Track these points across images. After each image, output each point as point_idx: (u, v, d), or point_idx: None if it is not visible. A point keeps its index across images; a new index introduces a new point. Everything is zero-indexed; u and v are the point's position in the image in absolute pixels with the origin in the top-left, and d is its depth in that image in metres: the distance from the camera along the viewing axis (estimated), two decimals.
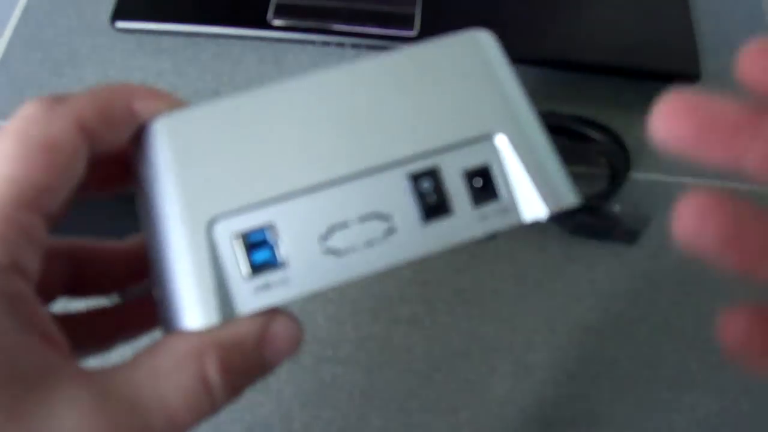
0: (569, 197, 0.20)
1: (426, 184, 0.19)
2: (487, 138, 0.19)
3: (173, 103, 0.19)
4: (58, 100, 0.17)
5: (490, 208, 0.19)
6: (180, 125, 0.19)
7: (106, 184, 0.22)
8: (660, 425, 0.37)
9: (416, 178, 0.19)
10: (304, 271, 0.18)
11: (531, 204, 0.19)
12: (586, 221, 0.41)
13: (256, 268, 0.18)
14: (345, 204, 0.18)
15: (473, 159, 0.19)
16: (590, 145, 0.44)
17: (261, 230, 0.18)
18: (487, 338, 0.39)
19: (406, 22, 0.45)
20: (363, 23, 0.45)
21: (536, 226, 0.42)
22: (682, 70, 0.45)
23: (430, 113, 0.19)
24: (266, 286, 0.18)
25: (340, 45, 0.46)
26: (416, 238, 0.18)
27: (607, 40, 0.46)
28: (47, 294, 0.21)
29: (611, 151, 0.43)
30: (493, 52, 0.21)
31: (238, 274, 0.18)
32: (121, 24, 0.46)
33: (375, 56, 0.20)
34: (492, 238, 0.19)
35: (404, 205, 0.19)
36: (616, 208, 0.42)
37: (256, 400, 0.37)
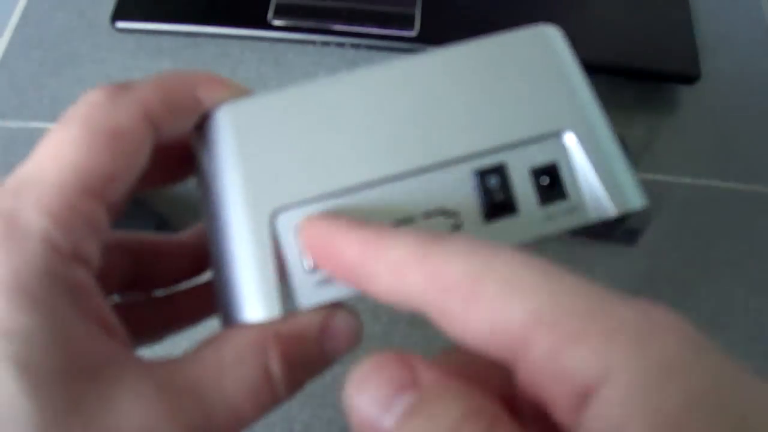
0: (637, 199, 0.19)
1: (492, 181, 0.18)
2: (555, 135, 0.19)
3: (238, 91, 0.19)
4: (123, 87, 0.17)
5: (556, 207, 0.19)
6: (244, 114, 0.18)
7: (166, 174, 0.21)
8: None
9: (483, 175, 0.18)
10: None
11: (598, 204, 0.19)
12: None
13: None
14: (410, 199, 0.18)
15: (541, 156, 0.19)
16: None
17: None
18: None
19: (406, 22, 0.45)
20: (363, 23, 0.45)
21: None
22: (681, 70, 0.45)
23: (498, 109, 0.19)
24: (329, 280, 0.18)
25: (340, 45, 0.46)
26: (481, 236, 0.18)
27: (607, 40, 0.46)
28: (106, 287, 0.21)
29: None
30: (560, 47, 0.20)
31: (301, 267, 0.17)
32: (121, 24, 0.46)
33: (443, 48, 0.19)
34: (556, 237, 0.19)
35: (470, 202, 0.18)
36: None
37: None
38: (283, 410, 0.37)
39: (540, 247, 0.43)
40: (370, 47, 0.46)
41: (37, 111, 0.45)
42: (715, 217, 0.43)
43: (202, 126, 0.19)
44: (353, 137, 0.18)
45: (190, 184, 0.45)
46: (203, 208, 0.19)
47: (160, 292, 0.23)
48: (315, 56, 0.48)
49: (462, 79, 0.19)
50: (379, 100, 0.18)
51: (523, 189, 0.18)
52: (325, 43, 0.46)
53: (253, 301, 0.17)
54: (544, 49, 0.20)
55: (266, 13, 0.46)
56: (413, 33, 0.45)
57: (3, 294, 0.14)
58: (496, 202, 0.18)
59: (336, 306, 0.18)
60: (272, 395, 0.17)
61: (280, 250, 0.17)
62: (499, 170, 0.18)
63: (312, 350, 0.18)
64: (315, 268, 0.17)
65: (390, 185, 0.18)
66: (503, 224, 0.18)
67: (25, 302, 0.14)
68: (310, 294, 0.17)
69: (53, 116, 0.45)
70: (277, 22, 0.45)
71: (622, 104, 0.47)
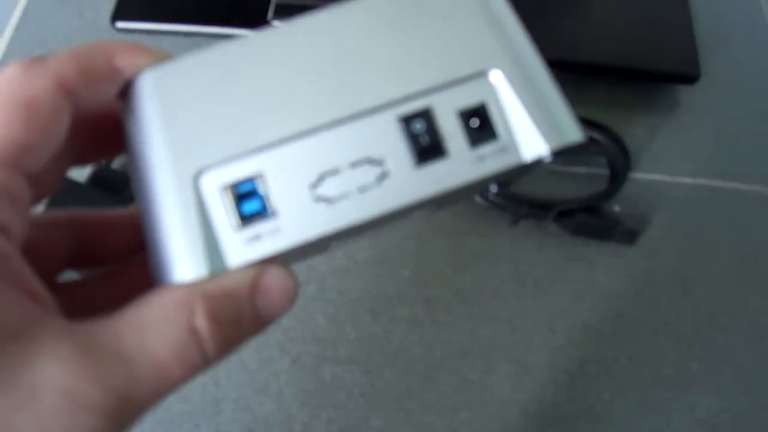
0: (572, 134, 0.19)
1: (418, 126, 0.18)
2: (481, 75, 0.18)
3: (157, 56, 0.19)
4: (38, 59, 0.17)
5: (488, 148, 0.18)
6: (165, 78, 0.18)
7: (101, 147, 0.21)
8: (659, 425, 0.37)
9: (407, 120, 0.18)
10: (296, 221, 0.17)
11: (532, 142, 0.18)
12: (586, 221, 0.41)
13: (246, 219, 0.17)
14: (335, 150, 0.18)
15: (468, 98, 0.18)
16: (590, 145, 0.44)
17: (249, 180, 0.18)
18: (487, 338, 0.39)
19: None
20: None
21: (536, 228, 0.42)
22: (681, 70, 0.45)
23: (420, 52, 0.18)
24: (257, 237, 0.17)
25: None
26: (411, 182, 0.18)
27: (607, 40, 0.46)
28: (53, 265, 0.21)
29: (611, 151, 0.43)
30: None
31: (228, 225, 0.17)
32: (122, 24, 0.46)
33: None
34: (491, 183, 0.18)
35: (396, 149, 0.18)
36: (616, 208, 0.42)
37: (257, 400, 0.37)
38: (284, 410, 0.37)
39: (538, 247, 0.43)
40: None
41: None
42: (715, 217, 0.43)
43: (125, 94, 0.19)
44: (275, 92, 0.18)
45: None
46: (131, 176, 0.19)
47: (114, 267, 0.23)
48: None
49: (383, 25, 0.19)
50: (298, 54, 0.18)
51: (452, 132, 0.18)
52: None
53: (181, 261, 0.17)
54: None
55: (266, 13, 0.46)
56: None
57: None
58: (423, 147, 0.18)
59: (269, 263, 0.18)
60: (201, 355, 0.17)
61: (206, 209, 0.17)
62: (424, 114, 0.18)
63: (243, 308, 0.17)
64: (243, 226, 0.17)
65: (313, 137, 0.18)
66: (433, 168, 0.18)
67: None
68: (239, 252, 0.17)
69: None
70: (277, 22, 0.45)
71: (622, 104, 0.47)
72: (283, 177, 0.18)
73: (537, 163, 0.19)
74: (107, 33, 0.48)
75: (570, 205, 0.41)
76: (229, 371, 0.37)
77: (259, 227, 0.17)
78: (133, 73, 0.18)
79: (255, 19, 0.46)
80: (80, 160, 0.20)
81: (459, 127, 0.18)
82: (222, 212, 0.17)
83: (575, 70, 0.46)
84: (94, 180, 0.40)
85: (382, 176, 0.18)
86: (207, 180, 0.17)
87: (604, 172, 0.44)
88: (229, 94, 0.18)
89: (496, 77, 0.19)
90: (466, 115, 0.18)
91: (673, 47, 0.46)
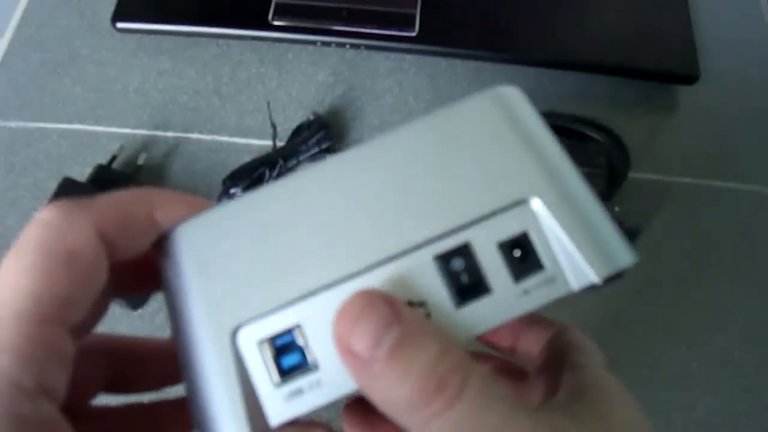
0: (622, 258, 0.18)
1: (457, 264, 0.17)
2: (521, 204, 0.17)
3: (196, 206, 0.18)
4: (77, 206, 0.17)
5: (533, 280, 0.17)
6: (198, 231, 0.18)
7: (134, 285, 0.21)
8: (659, 424, 0.37)
9: (445, 259, 0.17)
10: (337, 372, 0.17)
11: (580, 271, 0.17)
12: None
13: (286, 373, 0.17)
14: None
15: (508, 228, 0.17)
16: (590, 145, 0.44)
17: (288, 333, 0.17)
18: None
19: (406, 22, 0.45)
20: (363, 23, 0.45)
21: None
22: (681, 70, 0.45)
23: (455, 185, 0.17)
24: (298, 392, 0.17)
25: (340, 45, 0.46)
26: (453, 324, 0.17)
27: (607, 40, 0.46)
28: (86, 391, 0.20)
29: (611, 151, 0.43)
30: (521, 108, 0.19)
31: (269, 381, 0.17)
32: (122, 24, 0.46)
33: (390, 131, 0.18)
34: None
35: (436, 290, 0.17)
36: (616, 208, 0.42)
37: None
38: None
39: None
40: (370, 47, 0.46)
41: (37, 111, 0.45)
42: (715, 217, 0.43)
43: (161, 244, 0.18)
44: (306, 240, 0.17)
45: (189, 183, 0.44)
46: (171, 324, 0.19)
47: (146, 393, 0.23)
48: (315, 56, 0.48)
49: (416, 160, 0.18)
50: (329, 197, 0.18)
51: (493, 266, 0.17)
52: (325, 43, 0.46)
53: (222, 422, 0.17)
54: (503, 112, 0.18)
55: (266, 13, 0.46)
56: (413, 33, 0.45)
57: None
58: (464, 286, 0.17)
59: (311, 426, 0.18)
60: None
61: (245, 366, 0.17)
62: (463, 250, 0.17)
63: None
64: (283, 381, 0.17)
65: (349, 284, 0.17)
66: (476, 307, 0.17)
67: None
68: (281, 409, 0.17)
69: (54, 116, 0.45)
70: (277, 22, 0.45)
71: (622, 104, 0.47)
72: (321, 327, 0.17)
73: (588, 290, 0.18)
74: (108, 33, 0.48)
75: None
76: None
77: (300, 381, 0.17)
78: (170, 224, 0.18)
79: (255, 20, 0.46)
80: (118, 295, 0.20)
81: (501, 260, 0.17)
82: (262, 368, 0.17)
83: (575, 70, 0.46)
84: (95, 180, 0.40)
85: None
86: (245, 335, 0.17)
87: (604, 172, 0.44)
88: (262, 244, 0.17)
89: (537, 204, 0.17)
90: (508, 247, 0.17)
91: (673, 47, 0.46)
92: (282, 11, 0.46)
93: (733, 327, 0.40)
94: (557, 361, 0.20)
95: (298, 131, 0.44)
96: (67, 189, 0.39)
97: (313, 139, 0.43)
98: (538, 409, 0.17)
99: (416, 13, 0.46)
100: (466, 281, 0.17)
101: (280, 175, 0.43)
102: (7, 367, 0.15)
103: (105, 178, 0.41)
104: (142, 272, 0.20)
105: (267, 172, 0.42)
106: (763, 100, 0.48)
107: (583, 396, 0.17)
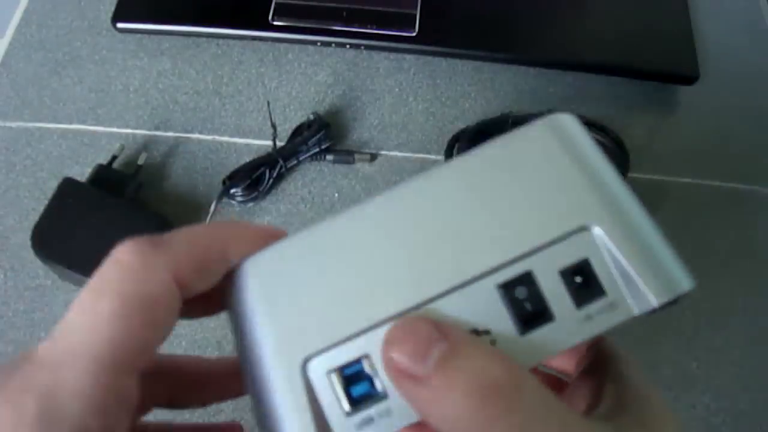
0: (682, 283, 0.18)
1: (520, 292, 0.17)
2: (581, 231, 0.18)
3: (269, 239, 0.19)
4: (155, 245, 0.17)
5: (595, 306, 0.17)
6: (266, 264, 0.18)
7: (198, 312, 0.21)
8: None
9: (508, 287, 0.17)
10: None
11: (641, 296, 0.17)
12: None
13: (356, 402, 0.17)
14: None
15: (569, 256, 0.18)
16: None
17: (357, 362, 0.17)
18: None
19: (406, 22, 0.45)
20: (363, 23, 0.45)
21: None
22: (680, 71, 0.45)
23: (516, 214, 0.18)
24: (369, 420, 0.17)
25: (340, 45, 0.46)
26: (518, 350, 0.17)
27: (607, 40, 0.46)
28: (141, 410, 0.21)
29: (610, 151, 0.43)
30: (576, 135, 0.19)
31: (339, 410, 0.17)
32: (122, 25, 0.46)
33: (449, 162, 0.19)
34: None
35: (500, 318, 0.17)
36: None
37: None
38: None
39: None
40: (370, 47, 0.46)
41: (38, 111, 0.45)
42: (715, 217, 0.43)
43: (229, 278, 0.19)
44: (372, 271, 0.18)
45: (190, 183, 0.44)
46: (239, 353, 0.19)
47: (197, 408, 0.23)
48: (315, 56, 0.48)
49: (477, 190, 0.18)
50: (391, 228, 0.18)
51: (556, 293, 0.17)
52: (325, 43, 0.46)
53: None
54: (559, 140, 0.19)
55: (266, 13, 0.46)
56: (413, 33, 0.45)
57: None
58: (527, 313, 0.17)
59: None
60: None
61: (316, 396, 0.17)
62: (525, 279, 0.17)
63: None
64: (354, 410, 0.17)
65: (415, 314, 0.17)
66: (540, 334, 0.17)
67: None
68: None
69: (54, 116, 0.45)
70: (277, 22, 0.45)
71: (622, 104, 0.47)
72: None
73: (648, 314, 0.18)
74: (108, 33, 0.48)
75: None
76: None
77: (370, 410, 0.17)
78: (240, 259, 0.18)
79: (255, 20, 0.46)
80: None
81: (563, 287, 0.17)
82: (332, 397, 0.17)
83: (575, 70, 0.46)
84: (95, 180, 0.40)
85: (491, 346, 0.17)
86: (314, 366, 0.17)
87: None
88: (329, 276, 0.18)
89: (597, 231, 0.18)
90: (569, 274, 0.18)
91: (673, 47, 0.46)
92: (282, 11, 0.46)
93: (733, 327, 0.40)
94: (598, 372, 0.20)
95: (298, 131, 0.44)
96: (68, 189, 0.39)
97: (313, 139, 0.43)
98: (590, 419, 0.17)
99: (416, 13, 0.46)
100: (529, 309, 0.17)
101: (280, 175, 0.43)
102: (81, 415, 0.15)
103: (105, 178, 0.41)
104: (207, 300, 0.20)
105: (267, 172, 0.42)
106: (762, 99, 0.48)
107: (627, 407, 0.18)
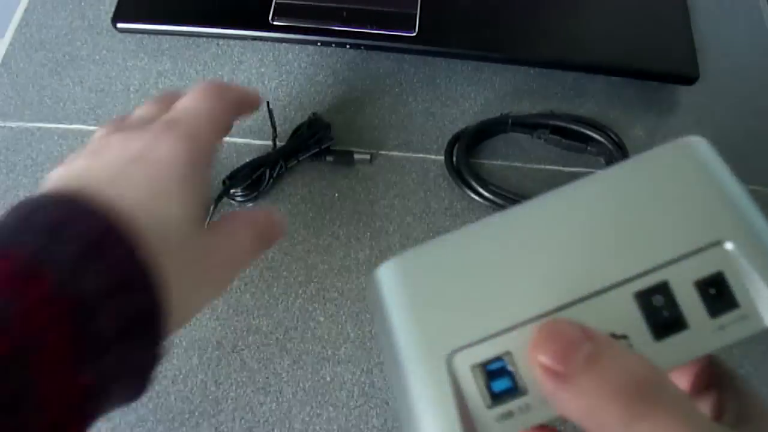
0: None
1: (656, 300, 0.19)
2: (715, 245, 0.19)
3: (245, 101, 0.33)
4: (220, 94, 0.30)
5: (728, 317, 0.18)
6: (410, 267, 0.20)
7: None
8: None
9: (645, 295, 0.19)
10: (545, 397, 0.18)
11: None
12: None
13: (497, 397, 0.18)
14: None
15: (704, 268, 0.19)
16: (590, 145, 0.44)
17: (499, 359, 0.18)
18: None
19: (406, 22, 0.45)
20: (363, 23, 0.45)
21: None
22: (680, 71, 0.45)
23: (653, 228, 0.19)
24: (509, 414, 0.18)
25: (341, 45, 0.46)
26: (652, 356, 0.18)
27: (606, 41, 0.46)
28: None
29: (610, 151, 0.43)
30: (709, 156, 0.20)
31: (481, 403, 0.18)
32: (122, 25, 0.47)
33: (588, 178, 0.20)
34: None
35: (637, 323, 0.18)
36: None
37: (257, 399, 0.37)
38: (284, 409, 0.37)
39: None
40: (370, 47, 0.46)
41: (38, 111, 0.46)
42: None
43: (374, 279, 0.20)
44: (514, 274, 0.19)
45: None
46: (382, 350, 0.21)
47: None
48: (315, 56, 0.48)
49: (616, 204, 0.19)
50: (534, 236, 0.19)
51: (690, 303, 0.18)
52: (325, 43, 0.46)
53: None
54: (692, 161, 0.20)
55: (266, 13, 0.46)
56: (413, 33, 0.45)
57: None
58: (663, 321, 0.18)
59: None
60: None
61: (460, 389, 0.18)
62: (662, 288, 0.19)
63: None
64: (494, 403, 0.18)
65: (557, 316, 0.19)
66: (674, 341, 0.18)
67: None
68: (492, 429, 0.18)
69: (54, 117, 0.45)
70: (277, 22, 0.45)
71: (622, 104, 0.47)
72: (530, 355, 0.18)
73: None
74: (108, 34, 0.48)
75: None
76: (230, 370, 0.38)
77: (510, 404, 0.18)
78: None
79: (255, 20, 0.46)
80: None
81: (697, 298, 0.19)
82: (474, 390, 0.18)
83: (575, 70, 0.46)
84: None
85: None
86: (459, 360, 0.18)
87: None
88: (473, 278, 0.19)
89: (730, 246, 0.19)
90: (704, 285, 0.19)
91: (672, 48, 0.46)
92: (282, 11, 0.46)
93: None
94: (719, 387, 0.21)
95: (298, 131, 0.44)
96: None
97: (313, 139, 0.43)
98: (723, 425, 0.18)
99: (416, 13, 0.46)
100: (665, 317, 0.18)
101: (280, 175, 0.43)
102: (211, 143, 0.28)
103: None
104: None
105: (267, 172, 0.42)
106: (762, 100, 0.48)
107: (752, 422, 0.18)
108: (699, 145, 0.20)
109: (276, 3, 0.46)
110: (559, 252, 0.19)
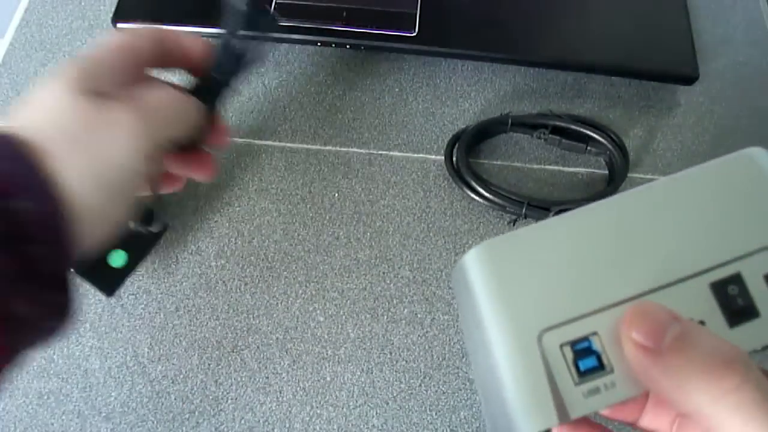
0: None
1: (731, 290, 0.20)
2: None
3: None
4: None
5: None
6: (500, 252, 0.21)
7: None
8: None
9: (720, 285, 0.20)
10: (629, 375, 0.20)
11: None
12: None
13: (584, 374, 0.20)
14: None
15: None
16: (590, 145, 0.44)
17: (586, 339, 0.20)
18: None
19: (406, 22, 0.45)
20: (363, 23, 0.45)
21: None
22: (680, 71, 0.45)
23: (726, 226, 0.21)
24: (595, 390, 0.20)
25: (341, 45, 0.46)
26: (728, 341, 0.19)
27: (606, 41, 0.46)
28: (141, 61, 0.30)
29: (610, 151, 0.43)
30: None
31: (569, 380, 0.20)
32: (122, 25, 0.46)
33: (662, 180, 0.22)
34: None
35: (712, 312, 0.20)
36: None
37: (257, 398, 0.37)
38: (284, 409, 0.37)
39: None
40: (370, 47, 0.46)
41: None
42: None
43: (463, 265, 0.22)
44: (602, 262, 0.21)
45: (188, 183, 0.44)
46: (465, 334, 0.23)
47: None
48: (315, 56, 0.48)
49: (693, 204, 0.21)
50: (618, 228, 0.21)
51: (761, 293, 0.20)
52: (325, 43, 0.46)
53: (532, 413, 0.19)
54: (758, 167, 0.22)
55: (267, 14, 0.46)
56: (413, 33, 0.45)
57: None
58: (737, 309, 0.20)
59: (593, 425, 0.22)
60: None
61: (549, 366, 0.20)
62: (735, 279, 0.20)
63: None
64: (581, 380, 0.20)
65: (639, 301, 0.20)
66: (746, 328, 0.20)
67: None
68: (579, 404, 0.20)
69: None
70: (277, 23, 0.45)
71: (622, 104, 0.47)
72: (615, 336, 0.20)
73: None
74: (108, 34, 0.48)
75: (569, 206, 0.41)
76: (230, 370, 0.38)
77: (597, 382, 0.20)
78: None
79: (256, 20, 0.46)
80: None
81: (767, 290, 0.20)
82: (563, 368, 0.20)
83: (575, 70, 0.46)
84: None
85: None
86: (548, 339, 0.20)
87: (603, 172, 0.44)
88: (561, 264, 0.21)
89: None
90: None
91: (672, 48, 0.46)
92: (282, 11, 0.46)
93: None
94: None
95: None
96: None
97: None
98: None
99: (416, 13, 0.46)
100: (739, 305, 0.20)
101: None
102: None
103: None
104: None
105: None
106: (762, 100, 0.48)
107: None
108: (759, 154, 0.22)
109: (276, 3, 0.46)
110: (642, 244, 0.21)
